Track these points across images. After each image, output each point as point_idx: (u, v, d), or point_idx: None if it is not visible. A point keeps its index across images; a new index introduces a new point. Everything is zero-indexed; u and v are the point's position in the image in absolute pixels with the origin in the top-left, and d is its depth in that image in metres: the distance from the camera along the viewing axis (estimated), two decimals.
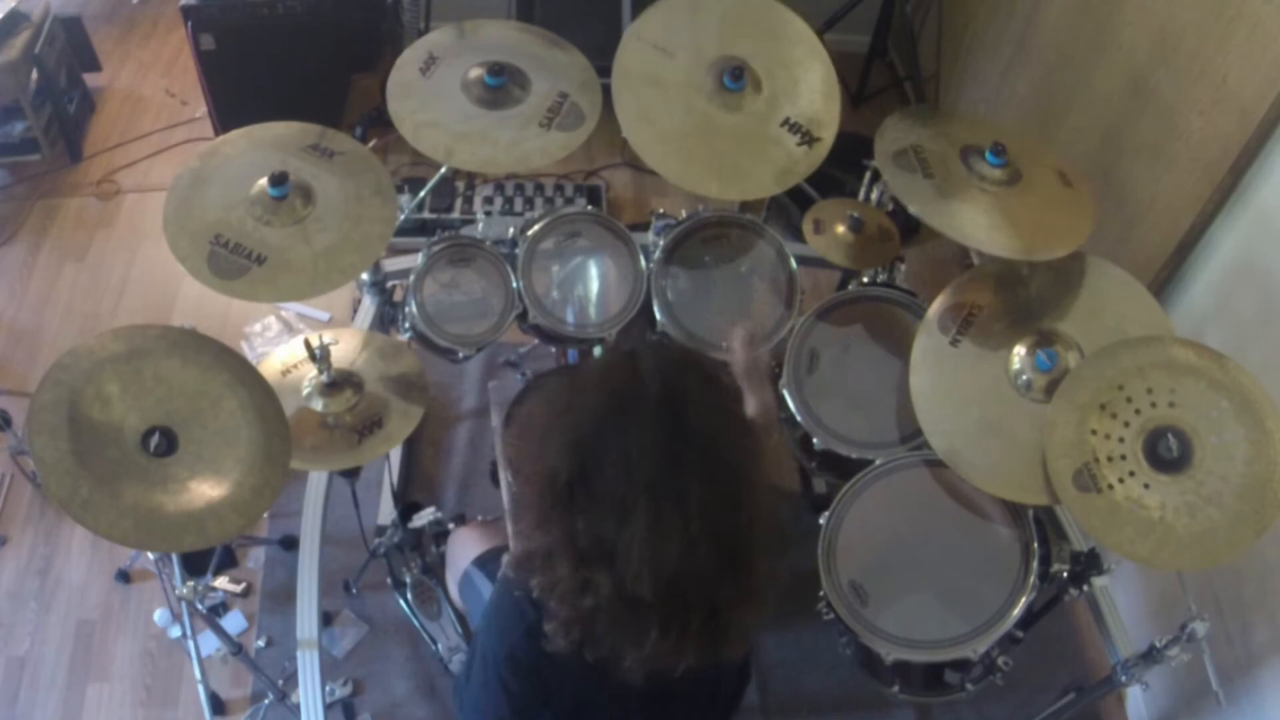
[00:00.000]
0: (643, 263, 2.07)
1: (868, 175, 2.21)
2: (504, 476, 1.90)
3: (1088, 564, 1.76)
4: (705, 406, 1.18)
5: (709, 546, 1.17)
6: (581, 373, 1.22)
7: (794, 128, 1.92)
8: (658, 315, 2.03)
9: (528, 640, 1.29)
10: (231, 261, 1.65)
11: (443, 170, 2.06)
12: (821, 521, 1.78)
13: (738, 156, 1.91)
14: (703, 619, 1.21)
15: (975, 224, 1.76)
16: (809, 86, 1.97)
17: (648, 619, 1.18)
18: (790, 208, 2.85)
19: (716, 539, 1.17)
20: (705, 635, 1.21)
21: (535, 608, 1.25)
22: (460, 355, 2.03)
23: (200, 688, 2.03)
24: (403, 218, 1.99)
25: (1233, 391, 1.54)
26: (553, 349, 2.51)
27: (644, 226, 2.18)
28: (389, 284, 2.19)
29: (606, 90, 1.94)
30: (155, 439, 1.44)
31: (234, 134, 1.81)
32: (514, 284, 2.02)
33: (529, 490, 1.24)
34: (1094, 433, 1.57)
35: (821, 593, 1.73)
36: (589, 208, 2.12)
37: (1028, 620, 1.68)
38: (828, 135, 1.93)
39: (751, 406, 1.62)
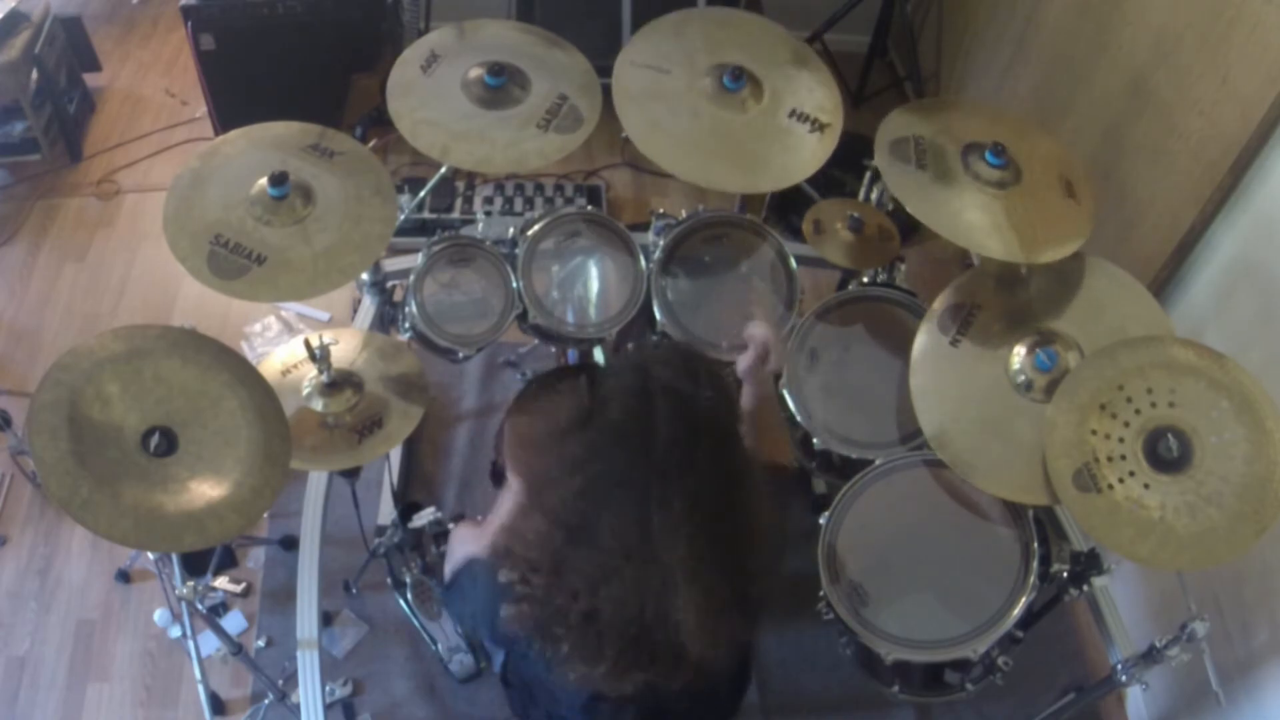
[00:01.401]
0: (643, 263, 2.07)
1: (868, 175, 2.21)
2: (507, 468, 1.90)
3: (1088, 564, 1.75)
4: (711, 467, 1.18)
5: (688, 605, 1.18)
6: (595, 405, 1.21)
7: (802, 117, 1.92)
8: (658, 315, 2.04)
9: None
10: (231, 261, 1.65)
11: (443, 170, 2.06)
12: (821, 521, 1.78)
13: (755, 149, 1.90)
14: (660, 657, 1.21)
15: (963, 222, 1.75)
16: (805, 80, 1.97)
17: (606, 648, 1.19)
18: (790, 208, 2.85)
19: (698, 598, 1.19)
20: (656, 670, 1.22)
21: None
22: (460, 355, 2.03)
23: (200, 688, 2.03)
24: (403, 218, 1.99)
25: (1233, 391, 1.54)
26: (553, 349, 2.51)
27: (644, 226, 2.18)
28: (389, 284, 2.18)
29: (607, 91, 1.94)
30: (155, 439, 1.44)
31: (234, 134, 1.81)
32: (514, 284, 2.02)
33: (529, 517, 1.25)
34: (1094, 433, 1.57)
35: (821, 593, 1.73)
36: (589, 208, 2.12)
37: (1028, 620, 1.68)
38: (835, 120, 1.93)
39: (748, 398, 1.62)
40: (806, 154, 1.91)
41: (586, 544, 1.18)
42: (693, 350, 1.31)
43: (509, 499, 1.38)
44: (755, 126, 1.91)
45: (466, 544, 1.82)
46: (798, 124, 1.92)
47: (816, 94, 1.96)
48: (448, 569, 1.92)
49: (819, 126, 1.92)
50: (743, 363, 1.61)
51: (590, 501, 1.17)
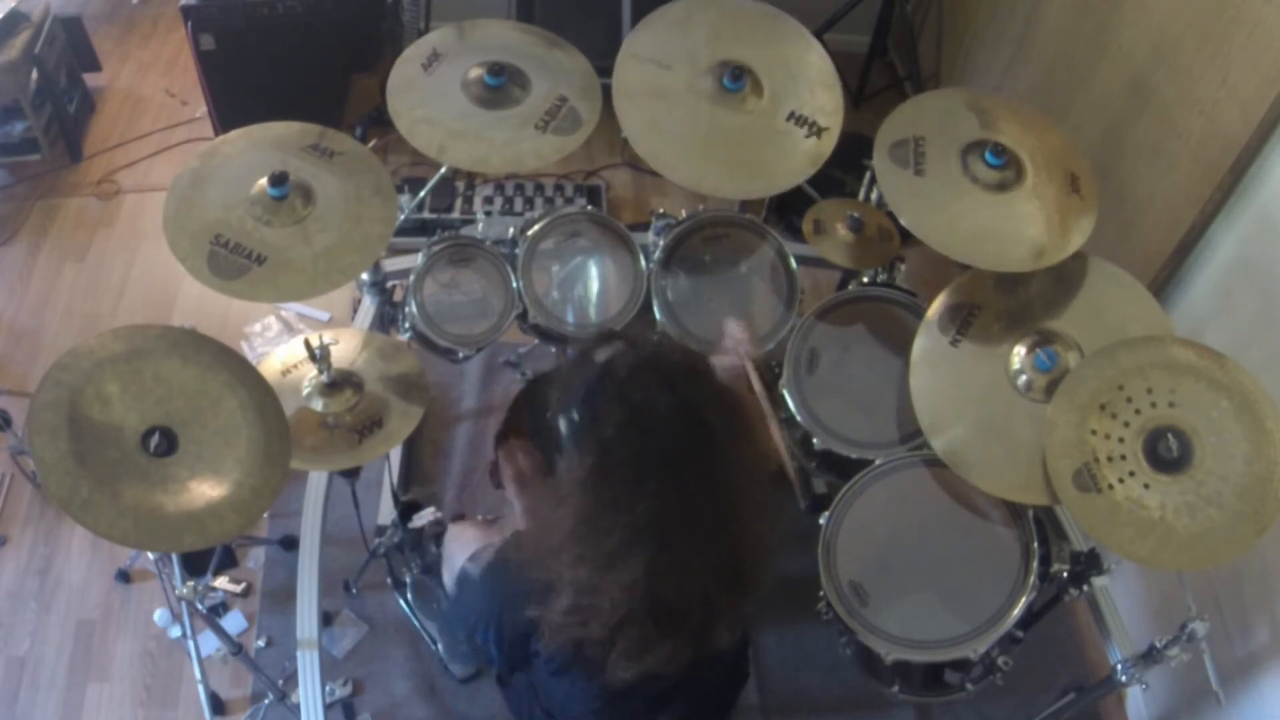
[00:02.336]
0: (643, 263, 2.07)
1: (868, 175, 2.21)
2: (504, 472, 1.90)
3: (1088, 564, 1.76)
4: (712, 399, 1.19)
5: (710, 556, 1.18)
6: (592, 390, 1.22)
7: (800, 120, 1.92)
8: (658, 315, 2.04)
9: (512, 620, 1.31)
10: (231, 261, 1.65)
11: (443, 170, 2.06)
12: (821, 521, 1.78)
13: (751, 153, 1.90)
14: (699, 618, 1.21)
15: (959, 230, 1.75)
16: (807, 80, 1.97)
17: (647, 626, 1.19)
18: (790, 208, 2.85)
19: (717, 548, 1.19)
20: (699, 632, 1.22)
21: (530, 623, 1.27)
22: (460, 355, 2.03)
23: (200, 688, 2.03)
24: (403, 218, 1.99)
25: (1233, 391, 1.54)
26: (553, 349, 2.51)
27: (644, 226, 2.18)
28: (389, 284, 2.18)
29: (607, 92, 1.94)
30: (155, 439, 1.44)
31: (234, 134, 1.81)
32: (514, 284, 2.02)
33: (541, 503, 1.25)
34: (1094, 433, 1.57)
35: (821, 593, 1.73)
36: (589, 208, 2.13)
37: (1028, 620, 1.68)
38: (834, 124, 1.92)
39: None
40: (802, 159, 1.91)
41: (593, 546, 1.18)
42: (603, 332, 1.31)
43: (511, 508, 1.37)
44: (753, 130, 1.91)
45: (465, 545, 1.83)
46: (795, 128, 1.92)
47: (818, 95, 1.96)
48: (446, 571, 1.93)
49: (816, 131, 1.91)
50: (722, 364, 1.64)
51: (651, 489, 1.17)
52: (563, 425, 1.20)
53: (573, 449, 1.18)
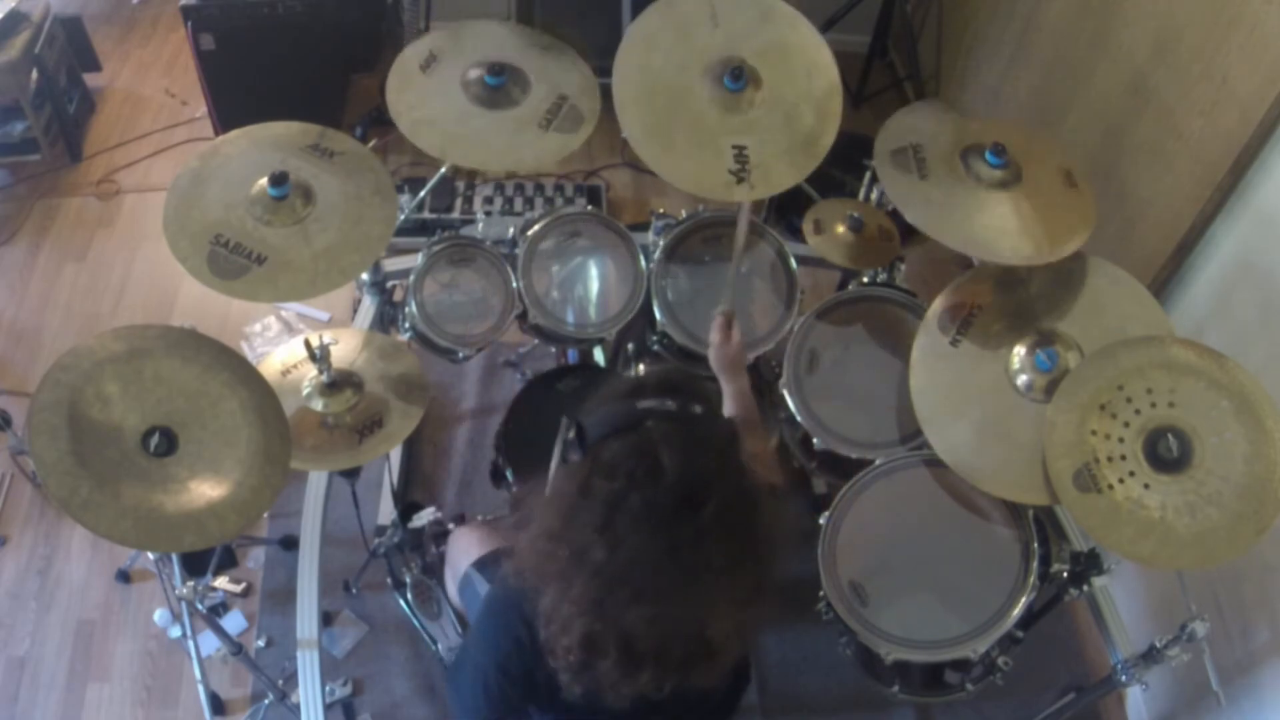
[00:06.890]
0: (643, 263, 2.07)
1: (868, 175, 2.21)
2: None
3: (1088, 564, 1.76)
4: (722, 491, 1.17)
5: (715, 611, 1.19)
6: (594, 462, 1.20)
7: (740, 158, 1.81)
8: (658, 315, 2.04)
9: (517, 653, 1.31)
10: (231, 261, 1.65)
11: (443, 170, 2.07)
12: (821, 521, 1.78)
13: (676, 131, 1.83)
14: (692, 657, 1.22)
15: (968, 227, 1.75)
16: (787, 156, 1.85)
17: (644, 662, 1.20)
18: (790, 208, 2.85)
19: (726, 603, 1.19)
20: (691, 669, 1.23)
21: (528, 628, 1.26)
22: (460, 355, 2.03)
23: (200, 688, 2.03)
24: (403, 218, 1.99)
25: (1233, 391, 1.54)
26: (553, 349, 2.52)
27: (644, 226, 2.18)
28: (389, 284, 2.18)
29: (607, 92, 1.93)
30: (155, 439, 1.44)
31: (234, 134, 1.81)
32: (514, 284, 2.02)
33: (550, 550, 1.24)
34: (1094, 433, 1.57)
35: (821, 593, 1.74)
36: (589, 208, 2.13)
37: (1028, 620, 1.68)
38: (761, 190, 1.81)
39: (728, 399, 1.63)
40: (706, 175, 1.80)
41: (608, 572, 1.17)
42: (672, 370, 1.30)
43: (520, 531, 1.36)
44: (701, 121, 1.84)
45: (468, 549, 1.83)
46: (731, 158, 1.81)
47: (779, 167, 1.83)
48: (449, 575, 1.93)
49: (742, 175, 1.80)
50: (712, 354, 1.66)
51: (610, 539, 1.16)
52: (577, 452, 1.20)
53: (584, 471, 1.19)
